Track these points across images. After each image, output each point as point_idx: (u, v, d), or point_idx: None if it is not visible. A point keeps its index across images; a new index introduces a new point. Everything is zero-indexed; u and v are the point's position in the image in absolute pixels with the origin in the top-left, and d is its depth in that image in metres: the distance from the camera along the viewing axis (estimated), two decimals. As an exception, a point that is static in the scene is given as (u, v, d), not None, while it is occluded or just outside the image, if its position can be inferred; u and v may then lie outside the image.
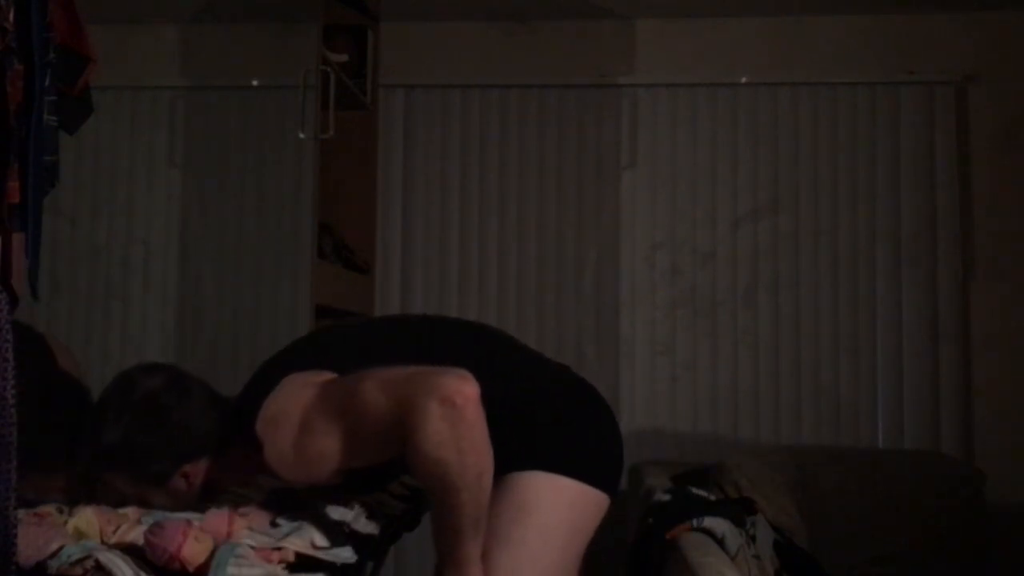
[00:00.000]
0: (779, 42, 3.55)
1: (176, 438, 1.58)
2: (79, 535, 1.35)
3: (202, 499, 1.65)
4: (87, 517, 1.39)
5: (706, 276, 3.52)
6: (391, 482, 1.79)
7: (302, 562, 1.35)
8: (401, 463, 1.49)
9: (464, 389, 1.39)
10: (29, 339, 1.92)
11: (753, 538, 2.22)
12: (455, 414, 1.37)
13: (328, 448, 1.49)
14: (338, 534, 1.47)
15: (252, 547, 1.32)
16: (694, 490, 2.45)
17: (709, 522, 2.10)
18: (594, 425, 1.68)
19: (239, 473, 1.69)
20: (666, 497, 2.38)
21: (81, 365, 2.02)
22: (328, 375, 1.56)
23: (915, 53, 3.51)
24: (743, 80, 3.53)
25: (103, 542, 1.35)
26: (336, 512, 1.64)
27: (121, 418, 1.57)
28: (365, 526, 1.64)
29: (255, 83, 3.58)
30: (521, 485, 1.56)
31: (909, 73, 3.50)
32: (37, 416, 1.58)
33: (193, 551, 1.27)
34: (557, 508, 1.58)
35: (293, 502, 1.62)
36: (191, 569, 1.27)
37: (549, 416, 1.64)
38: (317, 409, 1.50)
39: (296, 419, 1.51)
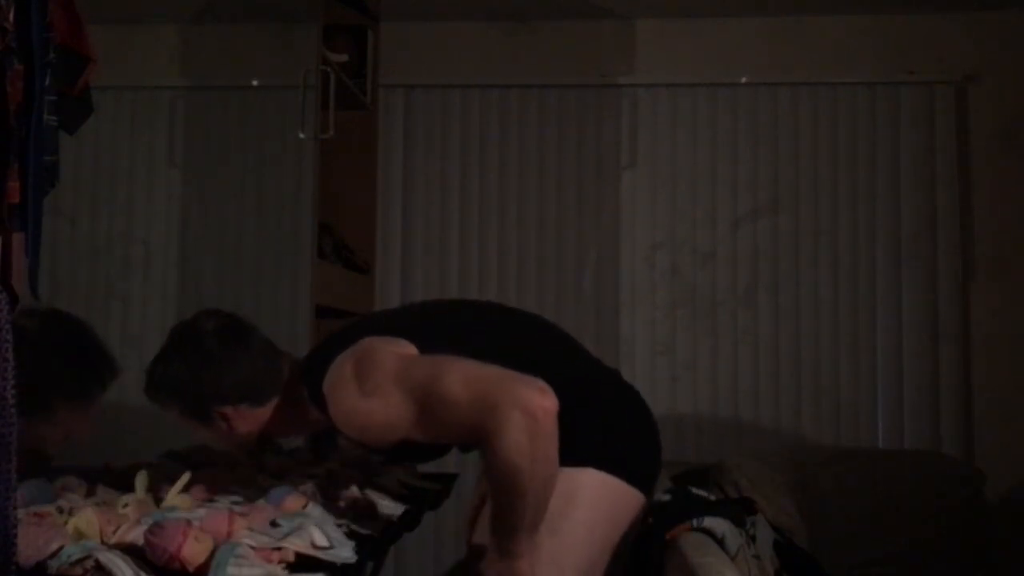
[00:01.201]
0: (779, 42, 3.55)
1: (212, 380, 1.70)
2: (79, 535, 1.35)
3: (256, 447, 1.78)
4: (87, 517, 1.39)
5: (706, 276, 3.52)
6: (436, 458, 1.86)
7: (302, 562, 1.35)
8: (444, 448, 1.66)
9: (545, 403, 1.46)
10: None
11: (753, 538, 2.22)
12: (535, 427, 1.45)
13: (398, 421, 1.57)
14: (338, 534, 1.47)
15: (252, 547, 1.32)
16: (694, 490, 2.45)
17: (709, 522, 2.09)
18: (640, 429, 1.80)
19: (287, 426, 1.79)
20: (666, 497, 2.37)
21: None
22: (409, 347, 1.63)
23: (915, 53, 3.51)
24: (743, 80, 3.54)
25: (103, 542, 1.35)
26: (336, 512, 1.65)
27: (174, 353, 1.72)
28: (365, 526, 1.64)
29: (255, 83, 3.58)
30: (572, 479, 1.63)
31: (909, 73, 3.51)
32: (61, 349, 1.68)
33: (193, 551, 1.27)
34: (602, 504, 1.68)
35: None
36: (191, 569, 1.27)
37: (603, 417, 1.73)
38: (396, 381, 1.57)
39: (373, 382, 1.58)
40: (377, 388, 1.58)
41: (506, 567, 1.55)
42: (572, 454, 1.59)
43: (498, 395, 1.47)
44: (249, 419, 1.74)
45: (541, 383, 1.48)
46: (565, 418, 1.51)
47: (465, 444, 1.63)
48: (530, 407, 1.45)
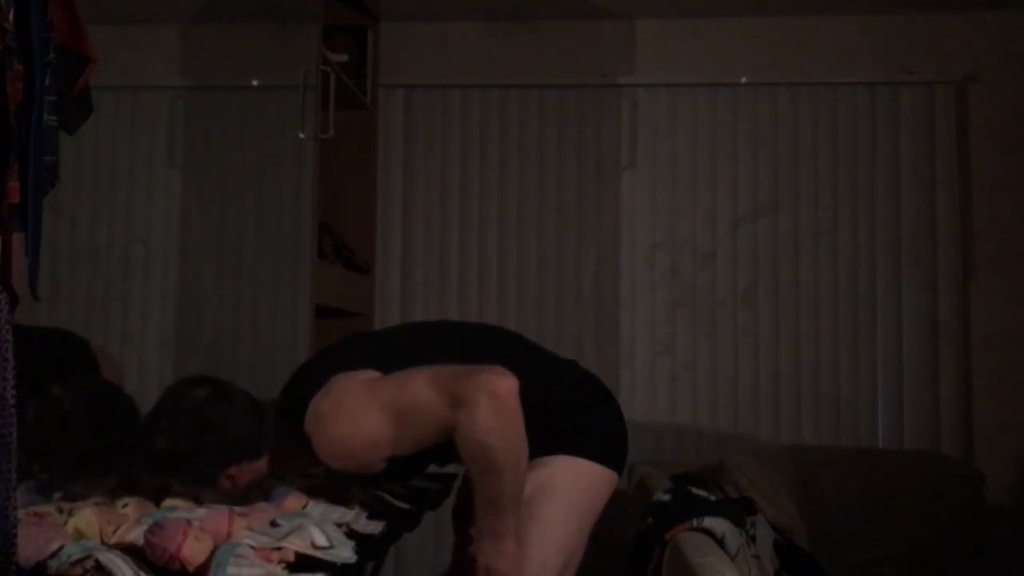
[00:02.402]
0: (779, 42, 3.55)
1: (220, 444, 1.74)
2: (79, 535, 1.35)
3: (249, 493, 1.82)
4: (87, 517, 1.39)
5: (706, 276, 3.52)
6: (422, 471, 1.96)
7: (302, 562, 1.35)
8: (431, 456, 1.76)
9: (506, 383, 1.60)
10: (77, 350, 2.05)
11: (753, 538, 2.22)
12: (500, 405, 1.59)
13: (379, 438, 1.67)
14: (338, 534, 1.47)
15: (252, 547, 1.32)
16: (694, 490, 2.45)
17: (709, 522, 2.09)
18: (605, 411, 1.90)
19: (286, 464, 1.85)
20: (666, 497, 2.38)
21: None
22: (374, 374, 1.74)
23: (915, 53, 3.51)
24: (743, 80, 3.53)
25: (103, 542, 1.35)
26: (336, 512, 1.65)
27: (171, 427, 1.73)
28: (365, 526, 1.65)
29: (255, 83, 3.58)
30: (548, 467, 1.76)
31: (909, 73, 3.50)
32: (89, 423, 1.74)
33: (193, 551, 1.27)
34: (577, 487, 1.79)
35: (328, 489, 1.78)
36: (191, 569, 1.27)
37: (567, 406, 1.85)
38: (367, 404, 1.68)
39: (346, 414, 1.69)
40: (353, 414, 1.69)
41: (494, 548, 1.65)
42: (543, 444, 1.72)
43: (461, 386, 1.61)
44: (251, 473, 1.79)
45: (498, 367, 1.63)
46: (531, 411, 1.63)
47: (443, 446, 1.68)
48: (492, 387, 1.59)
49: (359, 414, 1.68)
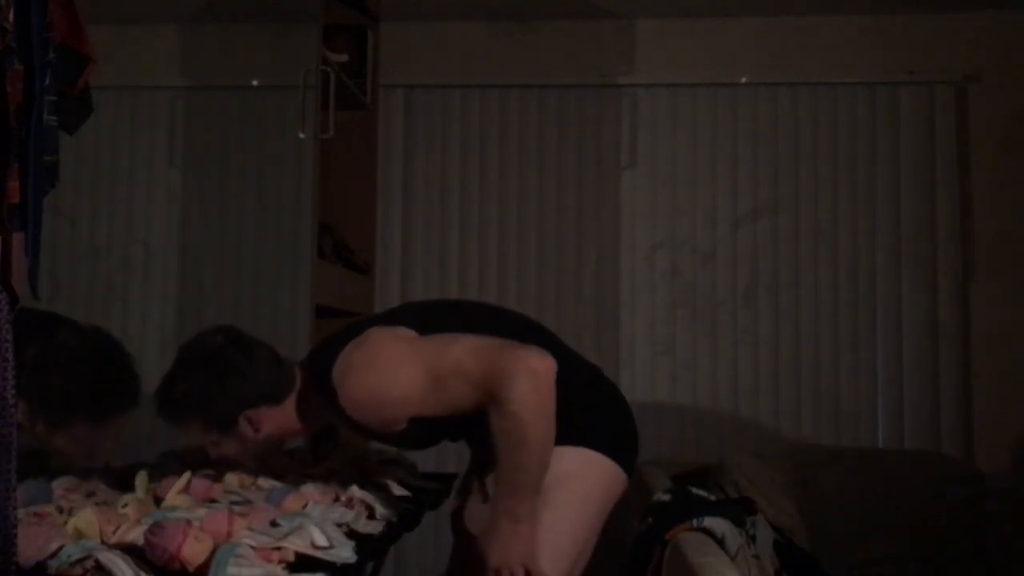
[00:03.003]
0: (779, 42, 3.55)
1: (236, 385, 1.78)
2: (79, 535, 1.35)
3: (276, 448, 1.88)
4: (87, 517, 1.39)
5: (706, 276, 3.52)
6: (434, 442, 1.97)
7: (302, 562, 1.35)
8: (447, 427, 1.80)
9: (547, 362, 1.64)
10: (41, 314, 2.05)
11: (753, 538, 2.22)
12: (539, 383, 1.63)
13: (411, 394, 1.70)
14: (338, 534, 1.47)
15: (252, 547, 1.32)
16: (694, 490, 2.45)
17: (709, 522, 2.10)
18: (624, 416, 1.96)
19: (306, 420, 1.87)
20: (666, 497, 2.38)
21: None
22: (410, 332, 1.77)
23: (915, 53, 3.51)
24: (743, 80, 3.54)
25: (103, 542, 1.35)
26: (336, 512, 1.65)
27: (189, 371, 1.80)
28: (365, 526, 1.64)
29: (255, 83, 3.58)
30: (566, 457, 1.76)
31: (909, 73, 3.51)
32: (89, 367, 1.78)
33: (193, 551, 1.27)
34: (592, 479, 1.82)
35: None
36: (191, 569, 1.27)
37: (594, 402, 1.90)
38: (404, 360, 1.71)
39: (381, 367, 1.72)
40: (387, 367, 1.72)
41: (511, 529, 1.66)
42: (568, 433, 1.73)
43: (504, 359, 1.64)
44: (271, 419, 1.82)
45: (539, 348, 1.66)
46: (562, 399, 1.66)
47: (460, 420, 1.72)
48: (533, 364, 1.63)
49: (394, 368, 1.71)
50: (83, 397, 1.76)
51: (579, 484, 1.78)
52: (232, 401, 1.79)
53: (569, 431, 1.75)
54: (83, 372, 1.77)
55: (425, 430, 1.80)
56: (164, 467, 1.85)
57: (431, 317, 1.88)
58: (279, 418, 1.83)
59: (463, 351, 1.68)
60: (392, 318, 1.87)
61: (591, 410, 1.87)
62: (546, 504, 1.71)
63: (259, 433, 1.82)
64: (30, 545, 1.24)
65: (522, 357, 1.63)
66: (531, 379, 1.61)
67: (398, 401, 1.71)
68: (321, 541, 1.40)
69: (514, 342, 1.69)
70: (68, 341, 1.78)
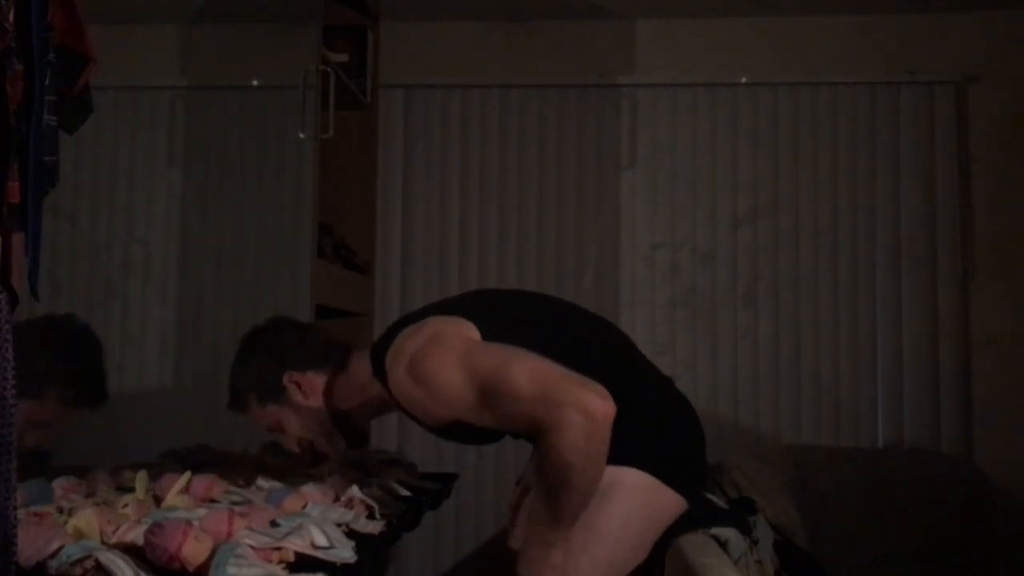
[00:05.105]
0: (779, 42, 3.55)
1: (278, 349, 1.89)
2: (79, 535, 1.35)
3: (334, 421, 1.91)
4: (87, 517, 1.39)
5: (706, 276, 3.52)
6: (469, 443, 1.92)
7: (302, 562, 1.35)
8: (486, 435, 1.73)
9: (605, 408, 1.53)
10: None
11: (756, 542, 2.22)
12: (592, 429, 1.52)
13: (457, 402, 1.65)
14: (338, 534, 1.47)
15: (252, 547, 1.32)
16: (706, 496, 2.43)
17: (716, 531, 2.09)
18: (689, 436, 1.88)
19: (362, 396, 1.86)
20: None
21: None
22: (472, 329, 1.71)
23: (915, 53, 3.51)
24: (743, 80, 3.54)
25: (103, 542, 1.35)
26: (336, 512, 1.65)
27: (239, 355, 1.95)
28: (365, 526, 1.64)
29: (255, 83, 3.58)
30: (613, 476, 1.68)
31: (909, 73, 3.51)
32: (60, 346, 1.88)
33: (193, 551, 1.27)
34: (638, 502, 1.75)
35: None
36: (191, 569, 1.27)
37: (653, 421, 1.80)
38: (460, 363, 1.65)
39: (434, 365, 1.66)
40: (440, 367, 1.66)
41: (539, 555, 1.63)
42: (618, 453, 1.63)
43: (562, 394, 1.54)
44: (319, 387, 1.87)
45: (602, 388, 1.54)
46: (618, 418, 1.55)
47: (515, 434, 1.69)
48: (590, 409, 1.52)
49: (447, 371, 1.65)
50: (49, 373, 1.80)
51: (622, 507, 1.72)
52: (275, 363, 1.87)
53: (624, 450, 1.67)
54: (51, 352, 1.82)
55: (476, 433, 1.74)
56: (164, 467, 1.85)
57: (502, 315, 1.83)
58: (331, 389, 1.87)
59: (521, 374, 1.58)
60: (457, 307, 1.81)
61: (656, 432, 1.79)
62: (584, 524, 1.65)
63: (308, 400, 1.87)
64: (30, 545, 1.24)
65: (582, 398, 1.52)
66: (587, 422, 1.51)
67: (443, 405, 1.68)
68: (321, 541, 1.40)
69: (578, 376, 1.57)
70: (39, 323, 1.82)
